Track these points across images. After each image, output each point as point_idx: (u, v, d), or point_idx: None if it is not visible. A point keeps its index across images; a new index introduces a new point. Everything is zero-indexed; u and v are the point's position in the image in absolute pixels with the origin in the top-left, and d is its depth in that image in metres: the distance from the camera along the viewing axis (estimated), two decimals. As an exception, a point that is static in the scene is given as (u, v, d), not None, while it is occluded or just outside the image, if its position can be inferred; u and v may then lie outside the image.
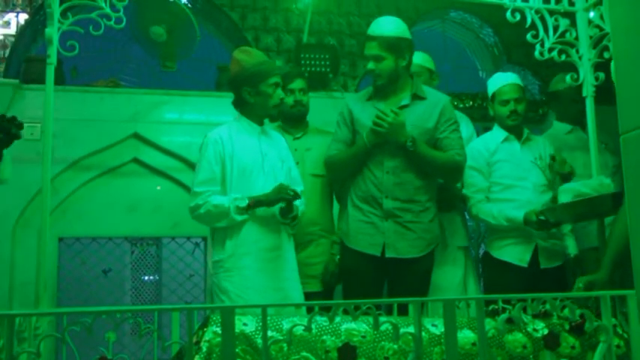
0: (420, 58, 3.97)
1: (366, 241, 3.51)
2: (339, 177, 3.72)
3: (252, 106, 3.43)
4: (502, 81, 3.93)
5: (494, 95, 3.91)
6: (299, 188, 3.52)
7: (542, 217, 3.58)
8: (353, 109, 3.63)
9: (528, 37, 3.82)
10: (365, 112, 3.56)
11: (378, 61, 3.51)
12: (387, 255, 3.47)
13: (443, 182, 3.76)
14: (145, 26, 5.09)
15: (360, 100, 3.69)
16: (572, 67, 3.93)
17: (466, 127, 4.04)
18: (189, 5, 5.64)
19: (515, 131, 3.93)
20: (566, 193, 3.52)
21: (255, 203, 3.25)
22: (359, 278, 3.52)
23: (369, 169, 3.52)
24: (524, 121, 4.03)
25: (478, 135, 4.39)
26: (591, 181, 3.61)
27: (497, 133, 3.97)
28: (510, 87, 3.89)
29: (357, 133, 3.57)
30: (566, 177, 3.84)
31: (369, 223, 3.51)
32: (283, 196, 3.24)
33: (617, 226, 3.07)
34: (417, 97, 3.59)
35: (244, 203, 3.23)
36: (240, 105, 3.46)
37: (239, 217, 3.24)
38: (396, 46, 3.50)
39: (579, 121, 4.34)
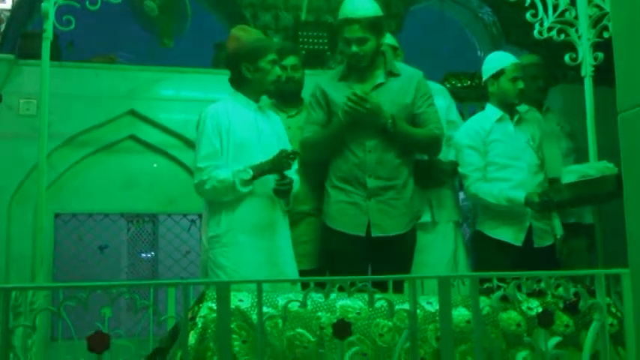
0: None
1: (349, 222, 3.50)
2: (315, 158, 3.67)
3: (250, 82, 3.43)
4: (509, 59, 3.90)
5: (501, 71, 3.85)
6: (294, 167, 3.51)
7: (545, 198, 3.58)
8: (327, 91, 3.59)
9: (527, 16, 3.79)
10: (340, 92, 3.51)
11: (362, 43, 3.46)
12: (373, 234, 3.47)
13: (428, 159, 3.76)
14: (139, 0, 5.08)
15: (333, 80, 3.65)
16: (570, 47, 3.91)
17: (443, 98, 4.02)
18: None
19: (508, 111, 3.92)
20: (571, 174, 3.53)
21: (259, 173, 3.27)
22: (344, 259, 3.48)
23: (349, 149, 3.51)
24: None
25: (465, 111, 4.39)
26: (596, 164, 3.61)
27: (491, 113, 3.94)
28: (517, 66, 3.88)
29: (334, 114, 3.53)
30: None
31: (351, 203, 3.50)
32: (284, 163, 3.25)
33: None
34: (391, 74, 3.58)
35: (248, 175, 3.24)
36: (238, 81, 3.46)
37: (245, 189, 3.25)
38: (378, 26, 3.49)
39: (537, 100, 4.42)
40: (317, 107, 3.63)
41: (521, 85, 3.84)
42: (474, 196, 3.86)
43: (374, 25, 3.47)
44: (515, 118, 3.93)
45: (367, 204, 3.49)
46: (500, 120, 3.90)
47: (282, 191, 3.29)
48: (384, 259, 3.52)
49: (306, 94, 3.97)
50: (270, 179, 3.32)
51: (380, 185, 3.48)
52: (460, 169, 3.90)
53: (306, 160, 3.71)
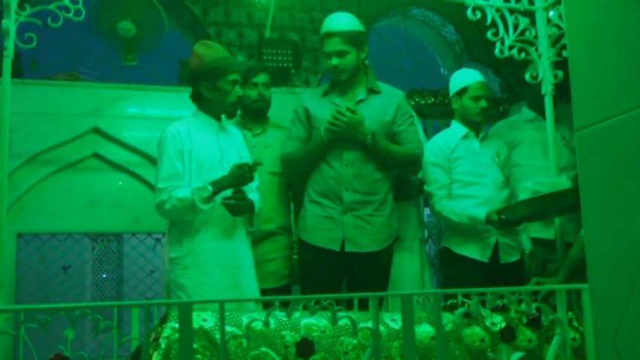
0: None
1: (324, 236, 3.51)
2: (295, 173, 3.71)
3: (208, 101, 3.39)
4: (474, 77, 3.96)
5: (464, 89, 3.91)
6: (255, 184, 3.49)
7: (502, 216, 3.61)
8: (309, 106, 3.63)
9: (489, 35, 3.85)
10: (322, 108, 3.57)
11: (341, 56, 3.52)
12: (346, 249, 3.48)
13: (399, 173, 3.79)
14: (111, 22, 5.03)
15: (316, 96, 3.70)
16: (534, 65, 3.97)
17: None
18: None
19: (474, 128, 3.96)
20: (525, 191, 3.57)
21: (219, 189, 3.23)
22: (318, 274, 3.52)
23: (327, 162, 3.52)
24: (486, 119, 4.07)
25: (429, 128, 4.39)
26: (548, 180, 3.64)
27: (456, 130, 3.98)
28: (482, 84, 3.94)
29: (315, 129, 3.57)
30: None
31: (327, 217, 3.52)
32: (247, 176, 3.23)
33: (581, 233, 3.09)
34: (372, 91, 3.62)
35: (208, 192, 3.19)
36: (198, 99, 3.43)
37: (205, 207, 3.20)
38: (357, 40, 3.54)
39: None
40: (298, 123, 3.65)
41: (483, 103, 3.90)
42: (438, 214, 3.89)
43: (354, 39, 3.52)
44: (481, 134, 3.97)
45: (343, 219, 3.50)
46: (465, 137, 3.94)
47: (233, 206, 3.24)
48: (359, 275, 3.54)
49: (271, 112, 3.97)
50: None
51: (356, 199, 3.49)
52: (425, 187, 3.92)
53: (286, 175, 3.76)
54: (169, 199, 3.22)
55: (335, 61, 3.53)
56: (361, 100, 3.58)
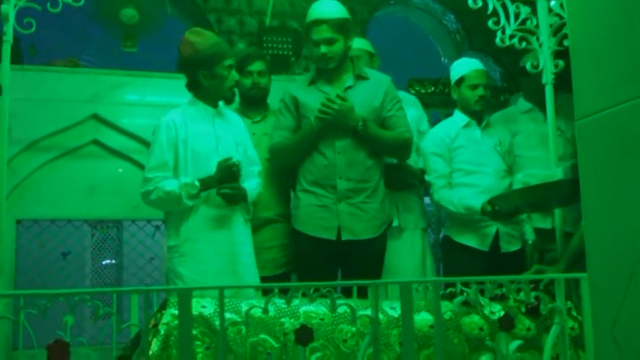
0: (359, 42, 4.01)
1: (320, 225, 3.50)
2: (285, 164, 3.68)
3: (206, 89, 3.39)
4: (471, 66, 3.95)
5: (462, 79, 3.91)
6: (256, 168, 3.49)
7: (496, 207, 3.61)
8: (297, 95, 3.61)
9: (490, 24, 3.83)
10: (310, 96, 3.56)
11: (330, 44, 3.49)
12: (343, 238, 3.48)
13: (397, 161, 3.79)
14: (114, 9, 5.02)
15: (302, 85, 3.68)
16: (532, 55, 3.96)
17: (415, 108, 4.05)
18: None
19: (475, 117, 3.96)
20: (517, 183, 3.57)
21: (206, 187, 3.24)
22: (314, 263, 3.51)
23: (319, 151, 3.51)
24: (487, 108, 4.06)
25: (428, 117, 4.38)
26: (539, 172, 3.64)
27: (458, 119, 3.98)
28: (479, 72, 3.93)
29: (305, 117, 3.56)
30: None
31: (321, 206, 3.51)
32: (229, 171, 3.22)
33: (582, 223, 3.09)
34: (360, 77, 3.61)
35: (195, 190, 3.21)
36: (195, 88, 3.42)
37: (191, 202, 3.23)
38: (346, 27, 3.52)
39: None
40: (286, 113, 3.63)
41: (480, 92, 3.89)
42: (437, 204, 3.91)
43: (342, 27, 3.49)
44: (483, 123, 3.97)
45: (338, 207, 3.49)
46: (466, 126, 3.93)
47: (227, 195, 3.24)
48: (354, 263, 3.53)
49: (271, 99, 3.96)
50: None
51: (350, 187, 3.49)
52: (426, 177, 3.93)
53: (275, 166, 3.72)
54: (155, 190, 3.24)
55: (323, 49, 3.50)
56: (349, 87, 3.58)
